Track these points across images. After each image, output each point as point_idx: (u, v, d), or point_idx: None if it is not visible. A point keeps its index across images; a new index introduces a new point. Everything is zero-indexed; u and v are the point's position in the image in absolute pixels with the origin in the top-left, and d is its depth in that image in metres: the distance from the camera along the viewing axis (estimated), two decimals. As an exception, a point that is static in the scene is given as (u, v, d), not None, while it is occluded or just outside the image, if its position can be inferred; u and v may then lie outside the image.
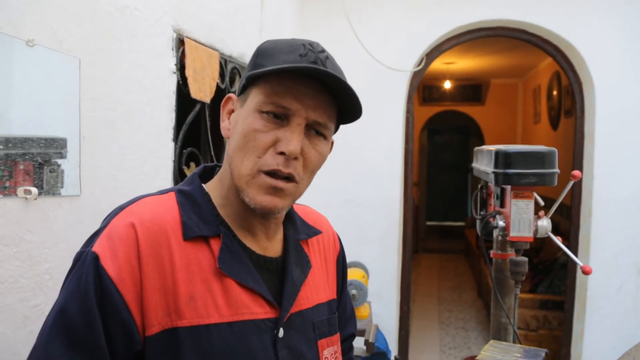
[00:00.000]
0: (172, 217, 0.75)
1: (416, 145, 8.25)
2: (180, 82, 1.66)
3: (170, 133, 1.61)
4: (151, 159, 1.52)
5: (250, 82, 0.78)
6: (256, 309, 0.76)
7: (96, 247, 0.70)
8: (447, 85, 7.17)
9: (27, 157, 1.08)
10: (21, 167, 1.07)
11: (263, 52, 0.78)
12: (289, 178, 0.76)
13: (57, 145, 1.16)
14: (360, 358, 1.82)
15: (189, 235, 0.74)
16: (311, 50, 0.75)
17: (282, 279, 0.82)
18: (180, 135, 1.69)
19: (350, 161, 3.07)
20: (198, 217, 0.77)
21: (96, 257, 0.69)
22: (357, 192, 3.08)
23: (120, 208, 0.76)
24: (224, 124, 0.83)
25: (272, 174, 0.75)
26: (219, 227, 0.78)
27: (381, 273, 3.03)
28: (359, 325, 2.23)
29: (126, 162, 1.40)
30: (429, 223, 9.07)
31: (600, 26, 2.85)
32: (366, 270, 2.74)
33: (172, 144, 1.63)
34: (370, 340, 1.81)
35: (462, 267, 7.12)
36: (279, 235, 0.88)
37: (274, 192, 0.75)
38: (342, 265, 1.00)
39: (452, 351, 4.17)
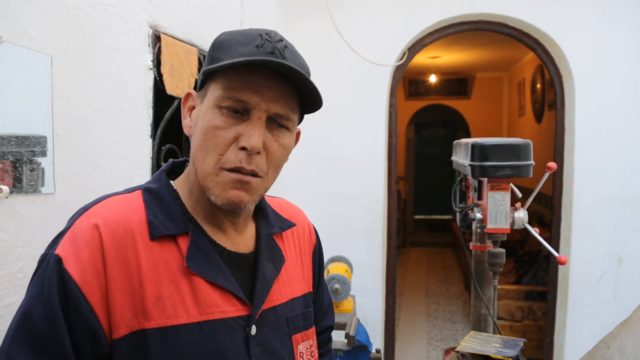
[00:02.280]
0: (138, 217, 0.74)
1: (403, 139, 8.28)
2: (158, 78, 1.65)
3: (148, 130, 1.60)
4: (129, 156, 1.51)
5: (208, 77, 0.76)
6: (227, 307, 0.75)
7: (59, 250, 0.69)
8: (433, 79, 7.20)
9: (-3, 155, 1.07)
10: (-1, 166, 1.06)
11: (219, 45, 0.76)
12: (253, 174, 0.75)
13: (30, 143, 1.15)
14: (341, 352, 1.83)
15: (155, 234, 0.73)
16: (268, 40, 0.73)
17: (254, 276, 0.81)
18: (159, 132, 1.68)
19: (335, 156, 3.07)
20: (165, 216, 0.76)
21: (59, 260, 0.68)
22: (341, 187, 3.09)
23: (85, 208, 0.75)
24: (186, 122, 0.81)
25: (236, 170, 0.74)
26: (187, 224, 0.77)
27: (366, 267, 3.05)
28: (342, 319, 2.24)
29: (102, 159, 1.39)
30: (416, 217, 9.11)
31: (580, 19, 2.88)
32: (350, 265, 2.75)
33: (150, 140, 1.62)
34: (351, 333, 1.82)
35: (450, 260, 7.17)
36: (251, 231, 0.87)
37: (240, 185, 0.74)
38: (318, 257, 0.99)
39: (439, 343, 4.21)
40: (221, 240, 0.80)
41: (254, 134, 0.72)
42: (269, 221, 0.89)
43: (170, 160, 0.88)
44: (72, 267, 0.68)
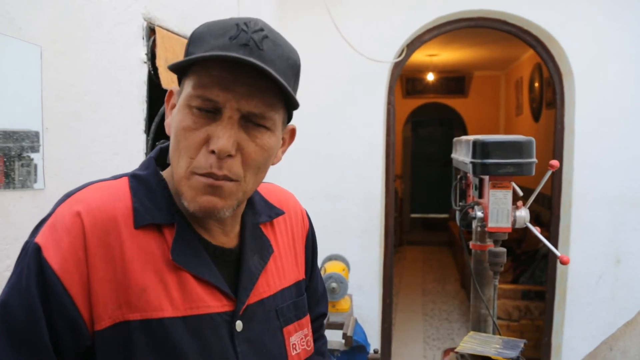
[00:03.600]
0: (123, 204, 0.71)
1: (400, 137, 8.25)
2: (152, 72, 1.61)
3: (141, 125, 1.57)
4: (121, 152, 1.47)
5: (182, 73, 0.72)
6: (212, 302, 0.73)
7: (39, 238, 0.66)
8: (430, 77, 7.17)
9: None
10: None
11: (195, 38, 0.71)
12: (226, 179, 0.70)
13: (18, 138, 1.11)
14: (338, 352, 1.80)
15: (140, 223, 0.70)
16: (244, 30, 0.68)
17: (239, 269, 0.78)
18: (153, 127, 1.65)
19: (332, 154, 3.04)
20: (152, 204, 0.72)
21: (38, 249, 0.65)
22: (338, 185, 3.06)
23: (68, 195, 0.72)
24: (167, 121, 0.77)
25: (207, 175, 0.69)
26: (174, 215, 0.73)
27: (363, 266, 3.02)
28: (339, 318, 2.22)
29: (94, 154, 1.36)
30: (413, 215, 9.09)
31: (580, 17, 2.85)
32: (347, 264, 2.72)
33: (144, 135, 1.58)
34: (349, 333, 1.79)
35: (446, 258, 7.16)
36: (238, 222, 0.82)
37: (211, 190, 0.69)
38: (311, 243, 0.96)
39: (436, 342, 4.19)
40: (207, 234, 0.77)
41: (223, 136, 0.67)
42: (256, 210, 0.85)
43: (158, 146, 0.83)
44: (52, 256, 0.65)
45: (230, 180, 0.70)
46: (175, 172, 0.72)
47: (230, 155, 0.68)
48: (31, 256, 0.66)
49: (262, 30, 0.69)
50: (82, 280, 0.66)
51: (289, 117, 0.79)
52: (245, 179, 0.72)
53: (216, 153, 0.67)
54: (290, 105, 0.74)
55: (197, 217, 0.75)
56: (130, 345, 0.67)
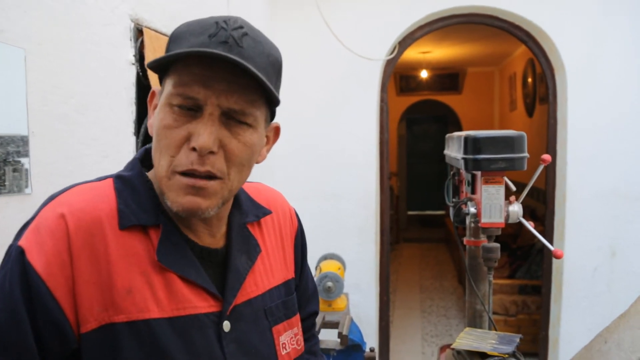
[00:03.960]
0: (107, 205, 0.70)
1: (394, 135, 8.25)
2: (141, 73, 1.60)
3: (131, 127, 1.55)
4: (111, 154, 1.46)
5: (163, 73, 0.72)
6: (199, 303, 0.72)
7: (22, 241, 0.66)
8: (424, 74, 7.17)
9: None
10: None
11: (175, 37, 0.71)
12: (209, 176, 0.69)
13: (4, 142, 1.09)
14: (334, 351, 1.80)
15: (125, 224, 0.70)
16: (224, 28, 0.68)
17: (226, 270, 0.78)
18: (142, 129, 1.63)
19: (326, 153, 3.04)
20: (137, 205, 0.72)
21: (22, 252, 0.65)
22: (332, 184, 3.05)
23: (52, 197, 0.71)
24: (150, 121, 0.76)
25: (189, 173, 0.69)
26: (159, 216, 0.73)
27: (360, 264, 3.02)
28: (335, 317, 2.21)
29: (83, 157, 1.34)
30: (409, 213, 9.10)
31: (571, 12, 2.85)
32: (343, 262, 2.72)
33: (134, 137, 1.57)
34: (344, 332, 1.78)
35: (443, 255, 7.17)
36: (225, 223, 0.82)
37: (194, 191, 0.69)
38: (300, 242, 0.96)
39: (434, 339, 4.19)
40: (193, 235, 0.77)
41: (204, 133, 0.67)
42: (243, 210, 0.85)
43: (144, 147, 0.82)
44: (36, 259, 0.64)
45: (214, 177, 0.70)
46: (157, 172, 0.71)
47: (212, 152, 0.68)
48: (15, 259, 0.65)
49: (241, 27, 0.69)
50: (67, 283, 0.65)
51: (272, 115, 0.78)
52: (229, 176, 0.72)
53: (197, 150, 0.67)
54: (272, 102, 0.74)
55: (183, 218, 0.75)
56: (116, 347, 0.66)
